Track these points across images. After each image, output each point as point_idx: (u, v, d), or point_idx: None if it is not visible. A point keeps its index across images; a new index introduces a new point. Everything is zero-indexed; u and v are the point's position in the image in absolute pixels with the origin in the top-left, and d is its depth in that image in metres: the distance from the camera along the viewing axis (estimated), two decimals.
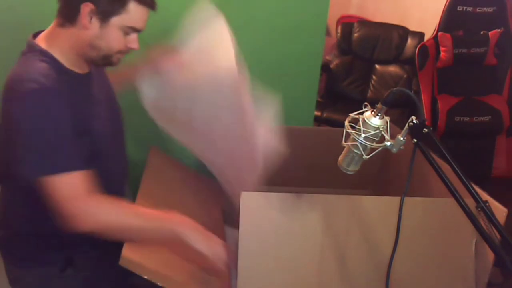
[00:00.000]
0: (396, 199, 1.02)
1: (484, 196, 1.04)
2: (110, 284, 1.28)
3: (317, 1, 1.78)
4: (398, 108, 3.07)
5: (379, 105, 0.98)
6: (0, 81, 1.14)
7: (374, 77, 3.55)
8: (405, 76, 3.40)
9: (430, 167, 0.97)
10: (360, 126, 0.98)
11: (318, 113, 3.25)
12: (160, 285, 1.05)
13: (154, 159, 1.55)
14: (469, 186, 0.95)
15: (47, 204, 1.05)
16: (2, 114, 1.09)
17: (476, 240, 1.14)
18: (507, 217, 1.07)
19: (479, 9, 2.73)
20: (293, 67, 1.85)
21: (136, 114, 1.38)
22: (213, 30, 1.26)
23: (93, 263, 1.24)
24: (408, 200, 1.02)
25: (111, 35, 1.10)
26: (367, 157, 0.99)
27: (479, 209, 0.96)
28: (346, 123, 1.00)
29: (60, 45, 1.11)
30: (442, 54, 2.73)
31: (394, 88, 0.98)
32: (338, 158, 1.05)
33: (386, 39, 3.48)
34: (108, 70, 1.31)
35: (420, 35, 3.36)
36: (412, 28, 3.44)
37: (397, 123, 1.22)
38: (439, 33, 2.72)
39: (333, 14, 3.03)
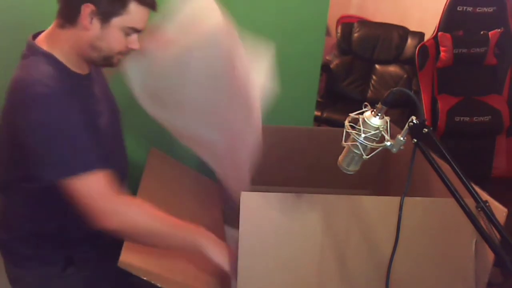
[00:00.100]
0: (396, 199, 1.02)
1: (484, 196, 1.04)
2: (110, 284, 1.28)
3: (317, 1, 1.78)
4: (398, 108, 3.07)
5: (379, 105, 0.98)
6: (0, 81, 1.14)
7: (374, 77, 3.54)
8: (405, 76, 3.40)
9: (430, 167, 0.97)
10: (360, 126, 0.98)
11: (318, 113, 3.25)
12: (160, 286, 1.05)
13: (154, 159, 1.55)
14: (469, 186, 0.95)
15: (67, 204, 1.06)
16: (10, 120, 1.08)
17: (476, 240, 1.14)
18: (507, 217, 1.07)
19: (479, 9, 2.73)
20: (293, 67, 1.85)
21: (136, 115, 1.38)
22: (196, 2, 1.22)
23: (93, 263, 1.24)
24: (408, 200, 1.02)
25: (112, 36, 1.10)
26: (367, 157, 0.99)
27: (479, 209, 0.96)
28: (346, 123, 1.00)
29: (60, 46, 1.11)
30: (442, 54, 2.73)
31: (394, 88, 0.97)
32: (338, 158, 1.05)
33: (386, 39, 3.48)
34: None
35: (420, 35, 3.36)
36: (412, 28, 3.44)
37: (397, 123, 1.22)
38: (439, 33, 2.72)
39: (333, 14, 3.03)
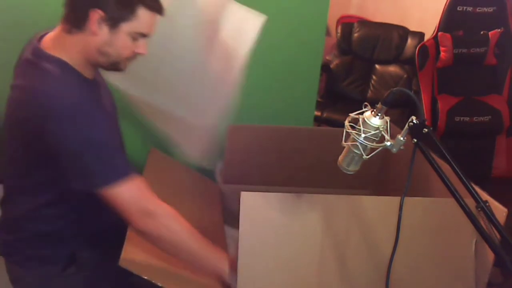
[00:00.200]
0: (396, 199, 1.02)
1: (484, 196, 1.04)
2: (110, 284, 1.28)
3: (317, 1, 1.78)
4: (398, 108, 3.07)
5: (379, 105, 0.98)
6: (1, 81, 1.14)
7: (374, 77, 3.54)
8: (405, 76, 3.40)
9: (430, 167, 0.97)
10: (360, 126, 0.98)
11: (318, 113, 3.25)
12: (160, 285, 1.05)
13: (154, 160, 1.55)
14: (469, 186, 0.95)
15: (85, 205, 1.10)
16: (32, 130, 1.07)
17: (476, 240, 1.14)
18: (507, 217, 1.07)
19: (479, 9, 2.73)
20: (293, 67, 1.85)
21: (136, 115, 1.39)
22: None
23: (94, 263, 1.24)
24: (408, 200, 1.02)
25: (120, 41, 1.10)
26: (367, 157, 0.99)
27: (479, 209, 0.96)
28: (346, 123, 1.00)
29: (68, 51, 1.10)
30: (442, 54, 2.73)
31: (394, 88, 0.98)
32: (338, 158, 1.05)
33: (386, 39, 3.48)
34: None
35: (420, 35, 3.36)
36: (412, 28, 3.44)
37: (397, 123, 1.22)
38: (439, 33, 2.72)
39: (333, 14, 3.02)
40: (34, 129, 1.06)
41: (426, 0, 3.37)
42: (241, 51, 1.45)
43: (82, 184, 1.07)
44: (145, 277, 1.04)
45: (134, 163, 1.43)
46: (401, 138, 0.97)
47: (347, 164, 1.03)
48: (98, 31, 1.07)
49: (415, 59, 2.82)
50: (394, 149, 0.99)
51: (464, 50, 2.72)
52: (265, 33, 1.77)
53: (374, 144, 0.99)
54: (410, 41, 3.40)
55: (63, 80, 1.07)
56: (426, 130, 0.96)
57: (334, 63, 3.57)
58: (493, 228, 0.95)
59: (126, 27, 1.08)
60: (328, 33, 3.69)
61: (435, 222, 1.15)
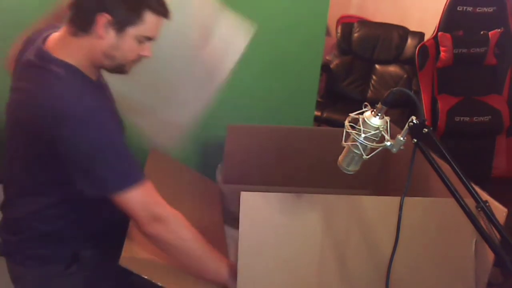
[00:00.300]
0: (396, 199, 1.02)
1: (484, 196, 1.04)
2: (111, 283, 1.28)
3: (317, 1, 1.78)
4: (398, 108, 3.07)
5: (379, 105, 0.98)
6: (1, 81, 1.14)
7: (374, 77, 3.54)
8: (405, 76, 3.40)
9: (430, 167, 0.97)
10: (360, 126, 0.98)
11: (318, 113, 3.25)
12: (160, 285, 1.05)
13: (154, 159, 1.55)
14: (469, 186, 0.95)
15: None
16: (42, 135, 1.05)
17: (476, 240, 1.14)
18: (507, 217, 1.07)
19: (479, 9, 2.73)
20: (293, 67, 1.85)
21: (136, 116, 1.39)
22: None
23: (95, 262, 1.24)
24: (408, 200, 1.02)
25: (126, 44, 1.10)
26: (367, 157, 0.99)
27: (479, 209, 0.96)
28: (346, 123, 1.00)
29: (74, 54, 1.10)
30: (442, 54, 2.73)
31: (394, 88, 0.98)
32: (338, 158, 1.05)
33: (386, 39, 3.48)
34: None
35: (420, 35, 3.36)
36: (412, 28, 3.44)
37: (397, 123, 1.22)
38: (439, 33, 2.72)
39: (333, 14, 3.02)
40: (42, 133, 1.05)
41: (426, 0, 3.37)
42: (227, 62, 1.51)
43: (93, 190, 1.07)
44: (145, 277, 1.04)
45: None
46: (401, 138, 0.97)
47: (347, 164, 1.03)
48: (104, 35, 1.07)
49: (415, 59, 2.82)
50: (394, 149, 0.99)
51: (464, 50, 2.72)
52: (265, 33, 1.78)
53: (374, 144, 0.99)
54: (410, 41, 3.40)
55: (74, 85, 1.07)
56: (426, 130, 0.96)
57: (334, 63, 3.57)
58: (493, 228, 0.95)
59: (133, 31, 1.08)
60: (328, 33, 3.69)
61: (435, 222, 1.15)
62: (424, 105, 2.79)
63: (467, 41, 2.73)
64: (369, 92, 3.54)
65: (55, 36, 1.14)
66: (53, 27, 1.22)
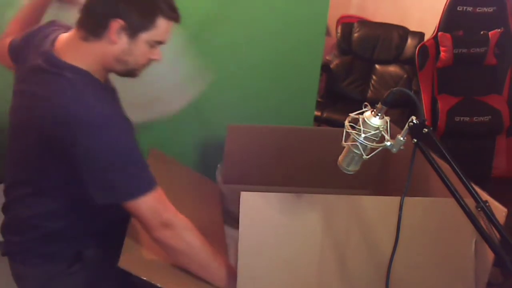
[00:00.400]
0: (396, 199, 1.02)
1: (484, 196, 1.03)
2: (114, 282, 1.28)
3: (317, 1, 1.78)
4: (398, 108, 3.07)
5: (379, 105, 0.98)
6: (1, 81, 1.14)
7: (374, 77, 3.54)
8: (405, 76, 3.40)
9: (430, 167, 0.97)
10: (360, 126, 0.98)
11: (318, 113, 3.25)
12: (159, 286, 1.05)
13: (154, 159, 1.55)
14: (469, 186, 0.95)
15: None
16: (57, 142, 1.05)
17: (476, 240, 1.14)
18: (507, 217, 1.07)
19: (479, 9, 2.73)
20: (293, 67, 1.85)
21: (136, 116, 1.39)
22: None
23: (99, 261, 1.25)
24: (408, 200, 1.02)
25: (138, 50, 1.10)
26: (367, 157, 0.99)
27: (479, 209, 0.96)
28: (346, 123, 1.00)
29: (85, 59, 1.09)
30: (442, 54, 2.73)
31: (394, 88, 0.98)
32: (338, 158, 1.05)
33: (386, 39, 3.48)
34: None
35: (420, 35, 3.36)
36: (412, 28, 3.44)
37: (397, 123, 1.22)
38: (439, 33, 2.72)
39: (333, 14, 3.02)
40: (54, 138, 1.04)
41: (426, 0, 3.37)
42: (175, 104, 1.67)
43: (106, 197, 1.07)
44: (144, 278, 1.04)
45: None
46: (401, 138, 0.97)
47: (347, 164, 1.03)
48: (117, 40, 1.07)
49: (415, 59, 2.82)
50: (394, 149, 0.99)
51: (464, 50, 2.72)
52: (265, 32, 1.78)
53: (374, 144, 0.99)
54: (410, 41, 3.40)
55: (88, 91, 1.07)
56: (426, 130, 0.96)
57: (334, 63, 3.57)
58: (493, 228, 0.95)
59: (145, 36, 1.09)
60: (328, 33, 3.69)
61: (435, 222, 1.15)
62: (424, 105, 2.79)
63: (467, 41, 2.73)
64: (369, 92, 3.54)
65: (63, 39, 1.13)
66: (55, 26, 1.22)
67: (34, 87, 1.09)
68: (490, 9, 2.73)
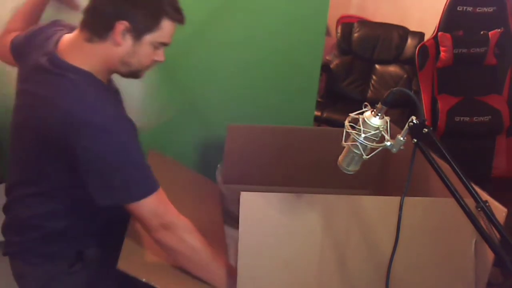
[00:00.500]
0: (396, 199, 1.02)
1: (484, 196, 1.03)
2: (115, 282, 1.28)
3: (317, 1, 1.78)
4: (398, 108, 3.07)
5: (379, 105, 0.98)
6: (0, 81, 1.13)
7: (374, 77, 3.54)
8: (405, 76, 3.40)
9: (430, 167, 0.97)
10: (360, 126, 0.98)
11: (318, 113, 3.25)
12: (158, 287, 1.05)
13: (153, 160, 1.55)
14: (469, 186, 0.95)
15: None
16: (61, 143, 1.05)
17: (476, 240, 1.14)
18: (507, 217, 1.07)
19: (479, 9, 2.73)
20: (293, 67, 1.85)
21: (135, 116, 1.39)
22: None
23: (100, 260, 1.25)
24: (408, 200, 1.02)
25: (143, 51, 1.10)
26: (367, 157, 0.99)
27: (479, 209, 0.96)
28: (346, 123, 1.00)
29: (89, 60, 1.09)
30: (442, 54, 2.73)
31: (394, 88, 0.97)
32: (338, 158, 1.05)
33: (386, 39, 3.48)
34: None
35: (420, 35, 3.36)
36: (412, 28, 3.44)
37: (397, 123, 1.22)
38: (439, 33, 2.72)
39: (333, 14, 3.02)
40: (57, 139, 1.04)
41: (426, 0, 3.37)
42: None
43: (107, 199, 1.07)
44: (143, 280, 1.04)
45: None
46: (401, 138, 0.97)
47: (347, 164, 1.03)
48: (122, 42, 1.07)
49: (415, 59, 2.82)
50: (394, 149, 0.99)
51: (464, 50, 2.72)
52: (265, 32, 1.78)
53: (374, 144, 0.99)
54: (410, 41, 3.40)
55: (92, 92, 1.07)
56: (426, 130, 0.96)
57: (334, 63, 3.57)
58: (493, 228, 0.95)
59: (150, 37, 1.09)
60: (328, 33, 3.69)
61: (435, 222, 1.15)
62: (424, 105, 2.79)
63: (467, 41, 2.73)
64: (369, 92, 3.54)
65: (66, 40, 1.13)
66: (59, 26, 1.22)
67: (36, 87, 1.09)
68: (490, 9, 2.73)
